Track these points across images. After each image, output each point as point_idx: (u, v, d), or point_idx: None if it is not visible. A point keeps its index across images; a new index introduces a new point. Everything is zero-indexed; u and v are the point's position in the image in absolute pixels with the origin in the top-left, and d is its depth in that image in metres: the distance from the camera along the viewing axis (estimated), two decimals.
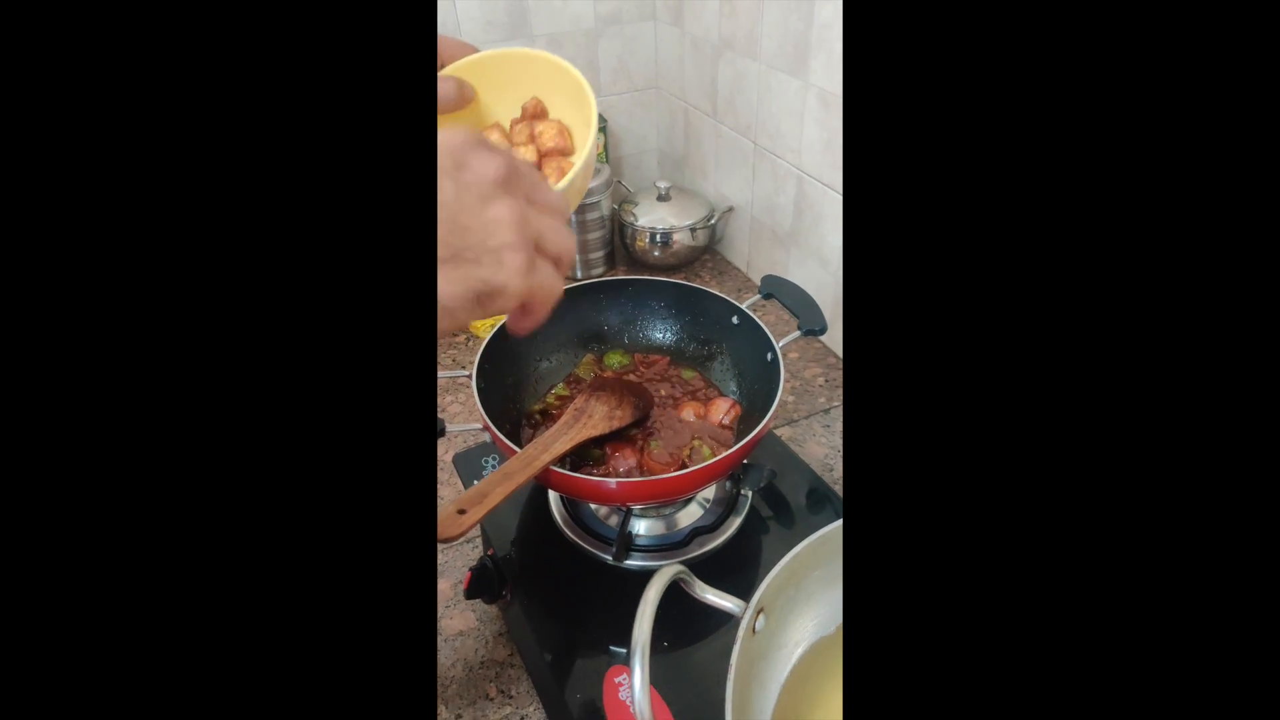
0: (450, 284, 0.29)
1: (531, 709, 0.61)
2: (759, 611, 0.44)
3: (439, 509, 0.50)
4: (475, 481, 0.70)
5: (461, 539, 0.76)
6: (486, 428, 0.60)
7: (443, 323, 0.30)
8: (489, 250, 0.31)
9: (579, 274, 1.18)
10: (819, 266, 0.99)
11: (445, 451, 0.84)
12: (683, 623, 0.56)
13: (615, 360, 0.74)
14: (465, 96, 0.52)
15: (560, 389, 0.73)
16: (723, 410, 0.68)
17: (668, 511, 0.66)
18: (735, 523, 0.66)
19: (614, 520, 0.66)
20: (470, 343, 1.04)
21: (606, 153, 1.24)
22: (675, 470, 0.62)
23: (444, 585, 0.72)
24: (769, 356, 0.65)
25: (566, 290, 0.66)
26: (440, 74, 0.51)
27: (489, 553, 0.67)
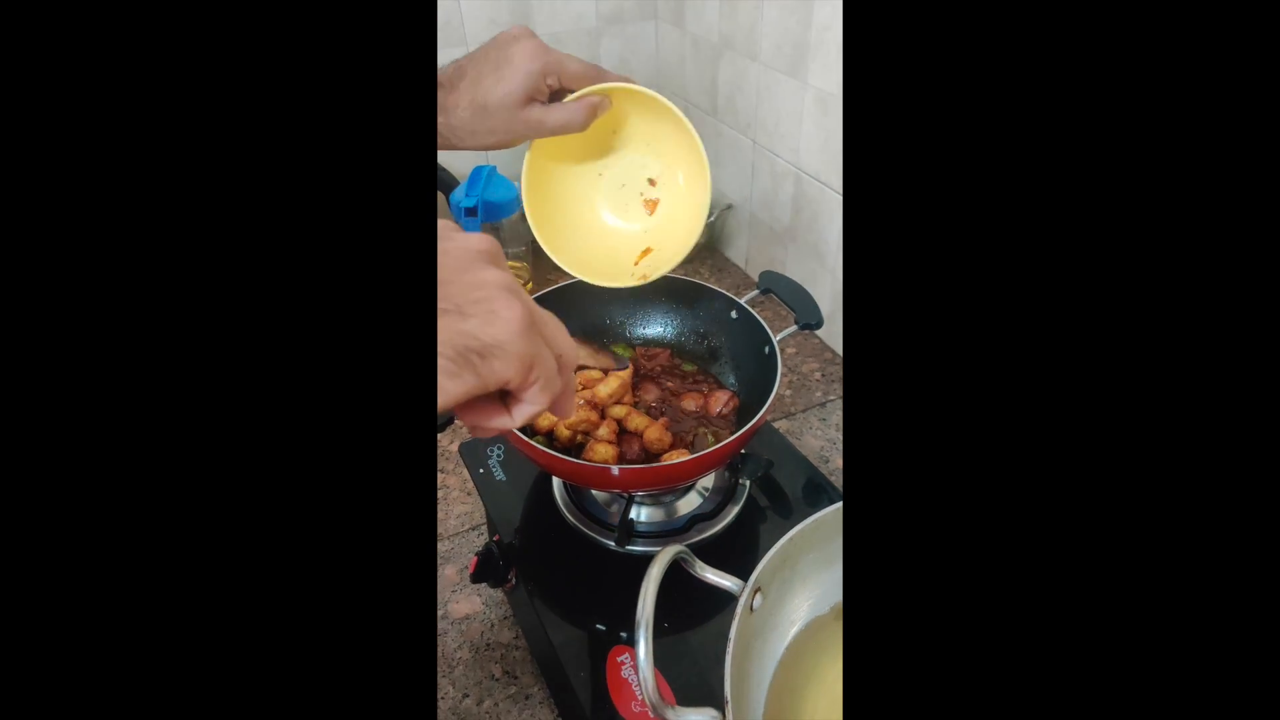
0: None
1: (536, 689, 0.63)
2: (756, 590, 0.46)
3: None
4: (481, 471, 0.72)
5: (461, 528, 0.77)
6: None
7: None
8: (474, 300, 0.27)
9: None
10: (817, 263, 1.01)
11: (451, 441, 0.86)
12: (682, 606, 0.58)
13: (618, 353, 0.76)
14: (597, 114, 0.56)
15: None
16: (721, 401, 0.70)
17: (668, 499, 0.68)
18: (733, 511, 0.68)
19: (615, 508, 0.68)
20: None
21: None
22: (680, 449, 0.64)
23: (450, 570, 0.74)
24: (766, 350, 0.67)
25: (569, 286, 0.68)
26: (586, 91, 0.54)
27: (494, 538, 0.69)
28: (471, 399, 0.28)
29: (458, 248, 0.29)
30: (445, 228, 0.30)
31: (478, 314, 0.27)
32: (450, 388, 0.26)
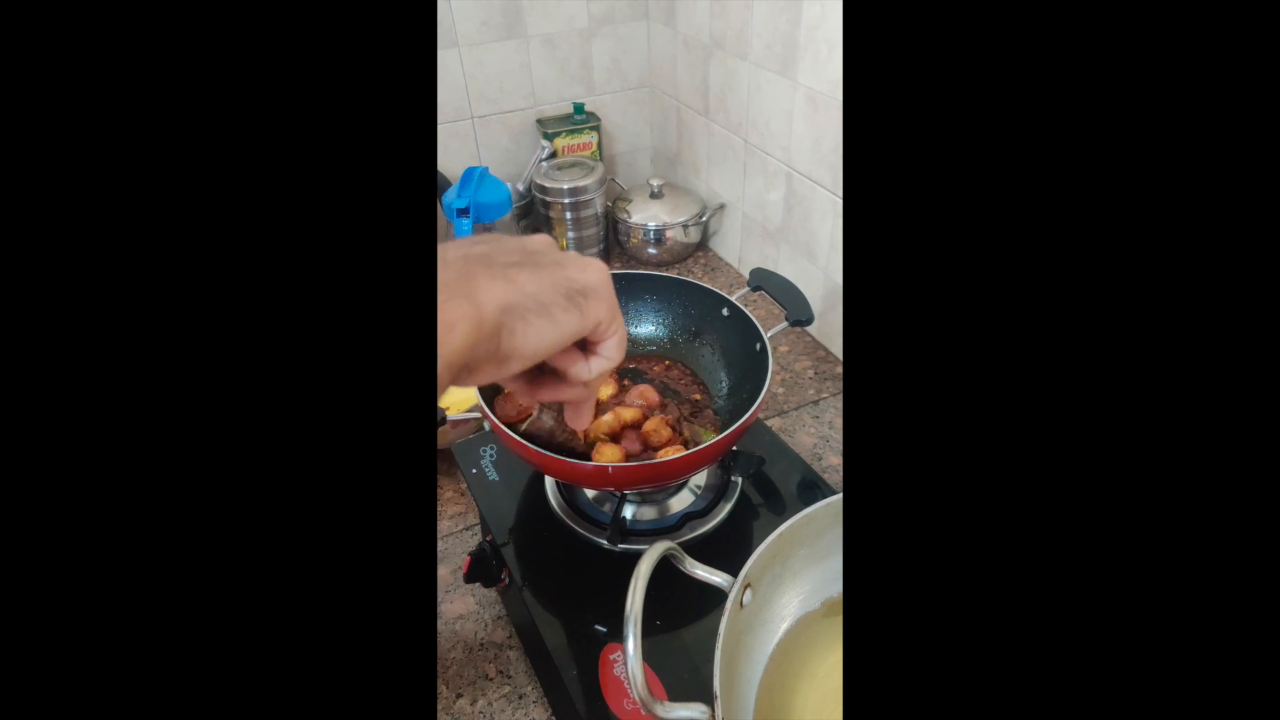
0: (534, 280, 0.30)
1: (529, 688, 0.63)
2: (746, 586, 0.46)
3: None
4: (474, 471, 0.72)
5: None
6: (485, 416, 0.62)
7: (539, 319, 0.30)
8: (569, 259, 0.33)
9: None
10: (808, 261, 1.01)
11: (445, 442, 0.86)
12: (674, 604, 0.58)
13: None
14: None
15: None
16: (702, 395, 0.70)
17: (660, 497, 0.69)
18: (726, 508, 0.68)
19: (608, 506, 0.68)
20: None
21: (600, 151, 1.26)
22: (677, 444, 0.65)
23: (444, 571, 0.74)
24: (758, 347, 0.68)
25: None
26: None
27: (487, 538, 0.69)
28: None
29: (540, 240, 0.34)
30: (546, 239, 0.35)
31: (572, 265, 0.32)
32: (565, 321, 0.31)
